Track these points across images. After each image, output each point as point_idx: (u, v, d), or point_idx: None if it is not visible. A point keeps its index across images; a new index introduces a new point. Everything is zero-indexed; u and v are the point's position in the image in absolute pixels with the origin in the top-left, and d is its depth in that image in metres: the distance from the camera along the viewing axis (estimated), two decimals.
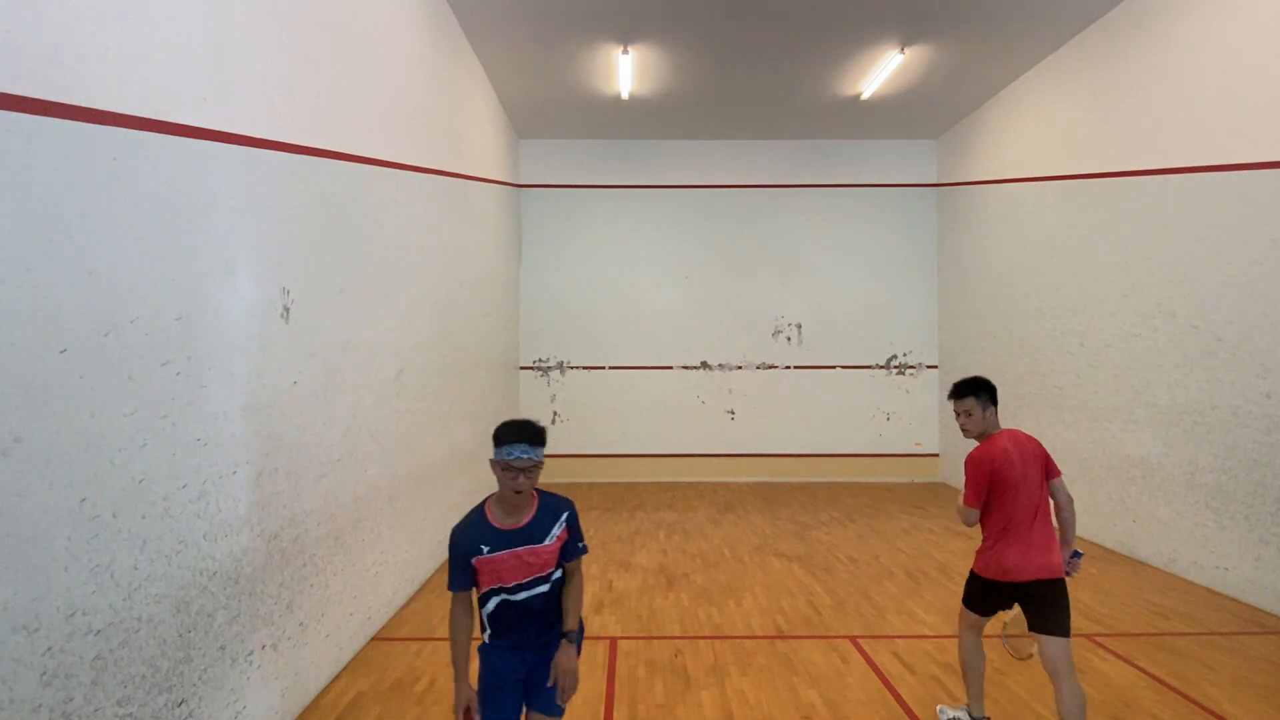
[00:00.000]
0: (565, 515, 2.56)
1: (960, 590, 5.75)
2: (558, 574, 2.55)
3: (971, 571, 3.56)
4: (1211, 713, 3.79)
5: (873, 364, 11.19)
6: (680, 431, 11.13)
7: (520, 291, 11.07)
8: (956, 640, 3.76)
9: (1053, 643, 3.20)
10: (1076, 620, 5.11)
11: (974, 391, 3.47)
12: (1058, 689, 3.18)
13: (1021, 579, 3.30)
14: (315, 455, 3.96)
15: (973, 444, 3.53)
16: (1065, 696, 3.14)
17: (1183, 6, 6.24)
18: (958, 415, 3.51)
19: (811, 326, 11.23)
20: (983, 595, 3.49)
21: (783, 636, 4.85)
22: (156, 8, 2.70)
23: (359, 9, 4.74)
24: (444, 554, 6.76)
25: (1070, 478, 7.71)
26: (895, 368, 11.20)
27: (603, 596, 5.68)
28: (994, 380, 3.65)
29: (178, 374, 2.77)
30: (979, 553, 3.49)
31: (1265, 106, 5.42)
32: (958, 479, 10.41)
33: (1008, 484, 3.34)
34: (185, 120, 2.85)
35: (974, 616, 3.56)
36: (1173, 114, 6.36)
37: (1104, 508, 7.17)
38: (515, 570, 2.47)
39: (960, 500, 3.46)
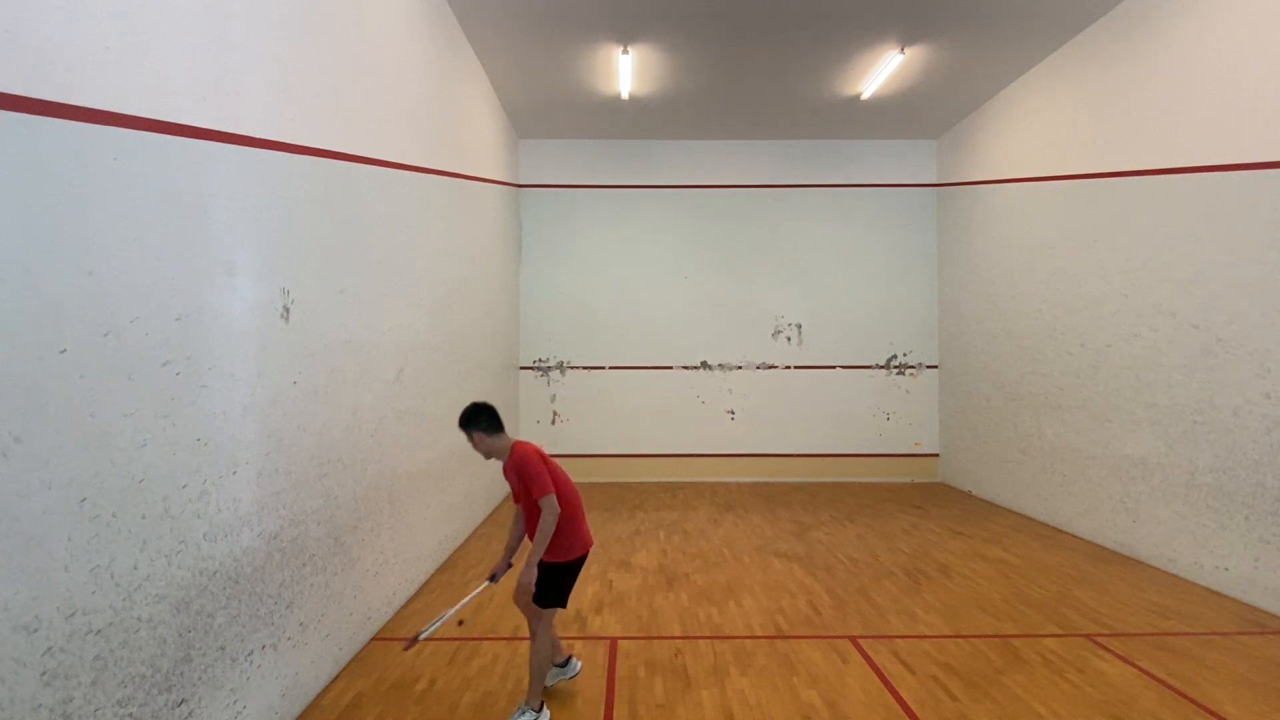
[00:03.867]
0: None
1: (960, 588, 5.80)
2: None
3: (555, 565, 3.70)
4: (1211, 713, 3.79)
5: (873, 364, 11.19)
6: (680, 431, 11.13)
7: (520, 291, 11.07)
8: (541, 643, 3.74)
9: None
10: (1077, 620, 5.14)
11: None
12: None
13: (588, 547, 3.84)
14: (315, 455, 3.96)
15: None
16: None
17: (1183, 7, 6.24)
18: (471, 444, 3.74)
19: (811, 326, 11.23)
20: (570, 580, 3.77)
21: (783, 636, 4.85)
22: (157, 7, 2.69)
23: (359, 9, 4.74)
24: (443, 554, 6.75)
25: (1070, 477, 7.72)
26: (895, 368, 11.20)
27: (603, 596, 5.68)
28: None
29: (178, 374, 2.77)
30: (557, 547, 3.68)
31: (1265, 106, 5.42)
32: (958, 479, 10.42)
33: (556, 472, 3.74)
34: (185, 120, 2.85)
35: (556, 612, 3.81)
36: (1172, 114, 6.36)
37: (1104, 508, 7.17)
38: None
39: (546, 505, 3.59)
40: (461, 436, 3.81)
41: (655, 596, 5.68)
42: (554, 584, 3.71)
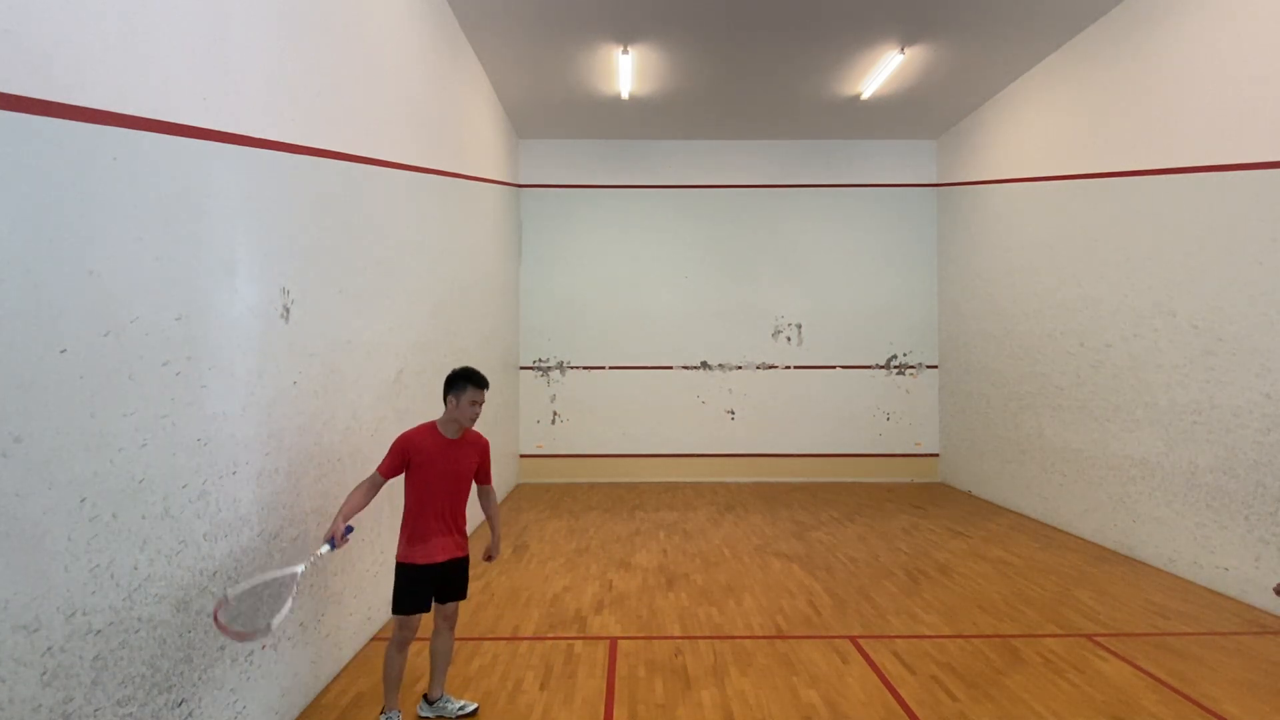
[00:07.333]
0: None
1: (960, 588, 5.80)
2: None
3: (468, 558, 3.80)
4: (1211, 713, 3.79)
5: (873, 364, 11.20)
6: (680, 431, 11.13)
7: (520, 291, 11.07)
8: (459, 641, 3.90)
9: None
10: (1077, 620, 5.14)
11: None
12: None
13: None
14: (315, 455, 3.96)
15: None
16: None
17: (1183, 7, 6.24)
18: (476, 405, 3.74)
19: (811, 326, 11.23)
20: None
21: (783, 636, 4.85)
22: (157, 7, 2.69)
23: (359, 9, 4.74)
24: None
25: (1070, 477, 7.73)
26: (895, 368, 11.20)
27: (603, 596, 5.68)
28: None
29: (178, 374, 2.77)
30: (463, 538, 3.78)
31: (1265, 106, 5.42)
32: (958, 479, 10.42)
33: None
34: (185, 120, 2.85)
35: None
36: (1172, 114, 6.36)
37: (1104, 508, 7.17)
38: None
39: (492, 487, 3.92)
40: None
41: (655, 596, 5.68)
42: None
